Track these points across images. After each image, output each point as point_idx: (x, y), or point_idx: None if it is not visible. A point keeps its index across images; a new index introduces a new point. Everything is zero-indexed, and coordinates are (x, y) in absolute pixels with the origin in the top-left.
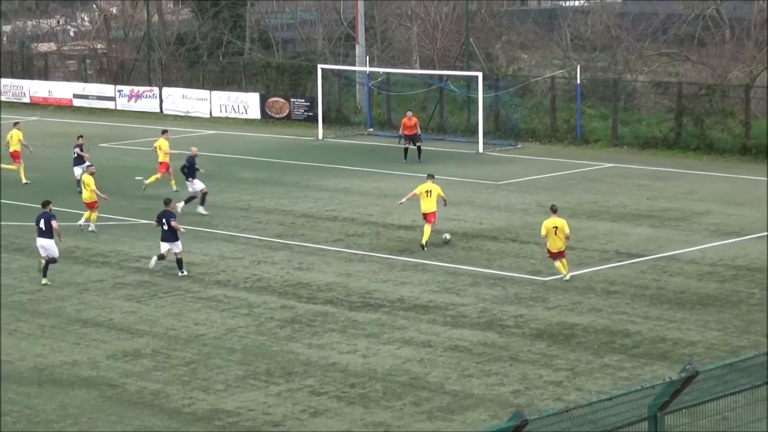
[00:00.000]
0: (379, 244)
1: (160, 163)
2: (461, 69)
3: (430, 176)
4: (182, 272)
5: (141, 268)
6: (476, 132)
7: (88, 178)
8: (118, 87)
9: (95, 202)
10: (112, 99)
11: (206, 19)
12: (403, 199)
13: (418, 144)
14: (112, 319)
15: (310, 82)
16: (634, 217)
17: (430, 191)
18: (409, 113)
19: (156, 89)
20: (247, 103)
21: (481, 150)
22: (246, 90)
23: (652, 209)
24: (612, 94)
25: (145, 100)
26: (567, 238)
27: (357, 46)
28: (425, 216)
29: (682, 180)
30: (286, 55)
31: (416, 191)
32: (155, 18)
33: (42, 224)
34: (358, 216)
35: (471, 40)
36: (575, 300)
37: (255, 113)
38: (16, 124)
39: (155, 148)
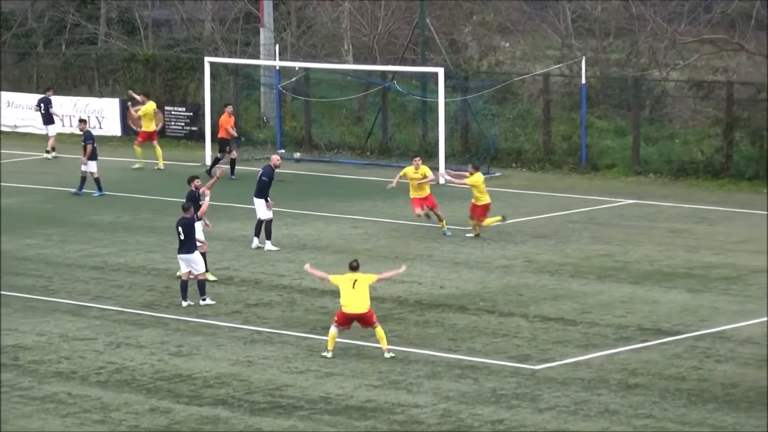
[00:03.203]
0: (294, 318)
1: (478, 206)
2: (414, 63)
3: None
4: (204, 299)
5: None
6: (435, 154)
7: None
8: None
9: None
10: None
11: None
12: None
13: (232, 156)
14: None
15: (194, 82)
16: (665, 276)
17: None
18: (229, 108)
19: None
20: (101, 113)
21: (442, 181)
22: (100, 94)
23: (691, 265)
24: (632, 99)
25: None
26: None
27: (262, 31)
28: None
29: (733, 223)
30: (159, 43)
31: None
32: None
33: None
34: (263, 277)
35: (428, 21)
36: (580, 398)
37: (113, 127)
38: None
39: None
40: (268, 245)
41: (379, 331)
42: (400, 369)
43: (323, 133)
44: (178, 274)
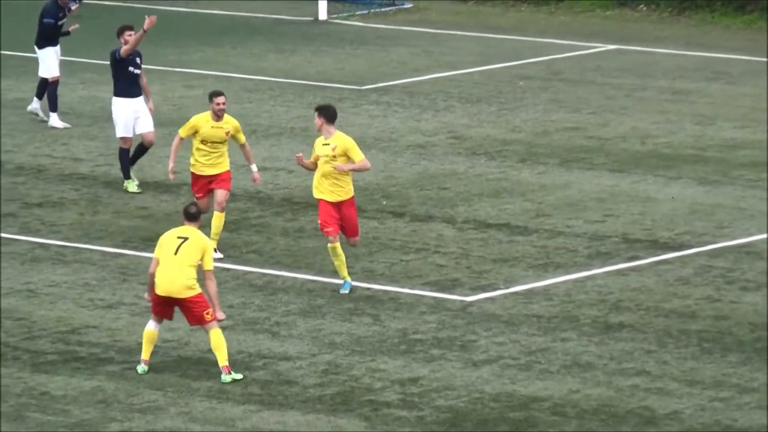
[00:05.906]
0: (98, 225)
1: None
2: None
3: None
4: None
5: None
6: None
7: None
8: None
9: None
10: None
11: None
12: None
13: None
14: None
15: None
16: (663, 161)
17: None
18: None
19: None
20: None
21: (323, 15)
22: None
23: (702, 144)
24: None
25: None
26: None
27: None
28: None
29: (765, 80)
30: None
31: None
32: None
33: None
34: (50, 162)
35: None
36: (535, 345)
37: None
38: None
39: None
40: (54, 119)
41: (216, 337)
42: (260, 302)
43: None
44: None
